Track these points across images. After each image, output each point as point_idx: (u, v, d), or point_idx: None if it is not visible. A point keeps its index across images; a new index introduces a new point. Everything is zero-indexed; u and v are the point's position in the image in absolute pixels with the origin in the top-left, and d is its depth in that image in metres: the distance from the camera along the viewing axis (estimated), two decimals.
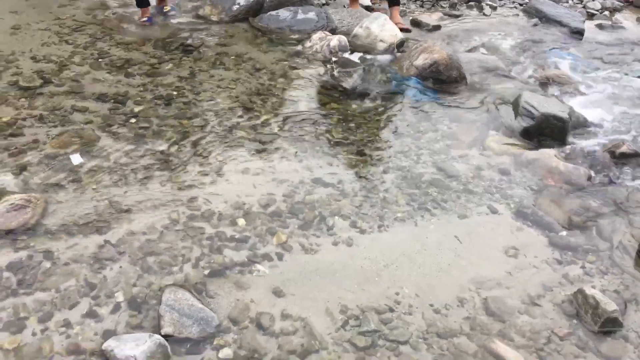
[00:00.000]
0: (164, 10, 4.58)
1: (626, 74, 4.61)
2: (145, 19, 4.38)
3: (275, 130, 3.17)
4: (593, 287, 2.23)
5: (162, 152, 2.87)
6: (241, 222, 2.44)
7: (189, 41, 4.14)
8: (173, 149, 2.91)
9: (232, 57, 3.97)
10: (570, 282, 2.30)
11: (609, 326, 2.07)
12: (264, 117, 3.29)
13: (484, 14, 5.90)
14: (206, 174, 2.73)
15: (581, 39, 5.41)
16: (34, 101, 3.18)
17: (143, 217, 2.41)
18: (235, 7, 4.63)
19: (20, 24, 4.16)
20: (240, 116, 3.25)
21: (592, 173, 3.10)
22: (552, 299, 2.22)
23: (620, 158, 3.25)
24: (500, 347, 1.99)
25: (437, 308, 2.15)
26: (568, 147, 3.37)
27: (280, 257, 2.30)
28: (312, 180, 2.78)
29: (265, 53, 4.10)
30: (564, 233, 2.60)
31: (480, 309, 2.17)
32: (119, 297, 2.02)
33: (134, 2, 4.47)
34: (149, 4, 4.45)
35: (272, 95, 3.54)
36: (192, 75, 3.66)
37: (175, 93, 3.42)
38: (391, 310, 2.12)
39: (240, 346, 1.90)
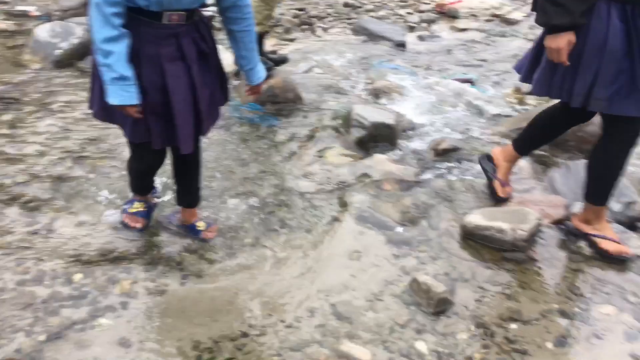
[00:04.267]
0: None
1: (444, 77, 5.11)
2: None
3: (117, 176, 3.08)
4: (426, 274, 2.44)
5: None
6: (78, 277, 2.34)
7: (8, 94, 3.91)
8: None
9: (60, 105, 3.81)
10: (407, 273, 2.49)
11: (441, 306, 2.27)
12: (100, 163, 3.19)
13: (317, 36, 6.22)
14: (36, 232, 2.59)
15: (404, 50, 5.90)
16: None
17: None
18: (57, 52, 4.44)
19: None
20: (70, 167, 3.13)
21: (421, 171, 3.40)
22: (392, 292, 2.39)
23: (442, 154, 3.59)
24: (349, 346, 2.10)
25: (290, 323, 2.22)
26: (398, 150, 3.67)
27: (124, 305, 2.24)
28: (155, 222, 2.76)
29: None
30: (400, 229, 2.81)
31: (330, 314, 2.27)
32: None
33: None
34: None
35: (105, 142, 3.45)
36: (13, 129, 3.46)
37: None
38: (244, 335, 2.15)
39: None
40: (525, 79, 2.55)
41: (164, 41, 2.07)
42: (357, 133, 3.72)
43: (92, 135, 3.48)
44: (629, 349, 2.05)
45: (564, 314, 2.22)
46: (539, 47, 2.43)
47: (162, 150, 2.37)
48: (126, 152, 2.55)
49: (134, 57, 2.02)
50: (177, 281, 2.41)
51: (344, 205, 3.00)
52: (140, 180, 2.66)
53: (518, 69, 2.62)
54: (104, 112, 2.21)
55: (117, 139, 3.30)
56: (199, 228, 2.68)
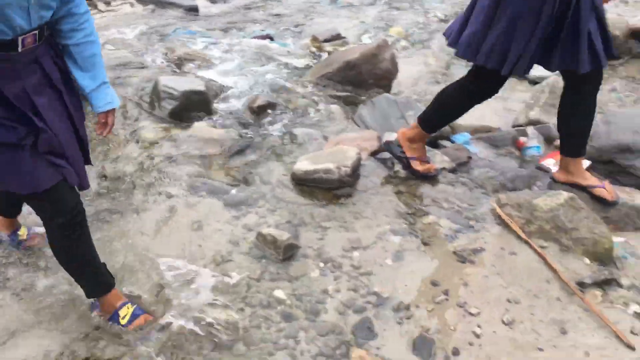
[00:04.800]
0: None
1: (243, 37, 5.15)
2: None
3: None
4: (268, 226, 2.53)
5: None
6: None
7: None
8: None
9: None
10: (250, 229, 2.55)
11: (289, 252, 2.39)
12: None
13: (100, 11, 5.81)
14: None
15: (197, 15, 5.80)
16: None
17: None
18: None
19: None
20: None
21: (242, 131, 3.45)
22: (241, 250, 2.44)
23: (259, 111, 3.67)
24: (214, 313, 2.11)
25: (144, 304, 2.15)
26: (215, 115, 3.66)
27: None
28: None
29: None
30: (234, 191, 2.85)
31: (181, 287, 2.24)
32: None
33: None
34: None
35: None
36: None
37: None
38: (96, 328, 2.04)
39: None
40: (453, 43, 2.53)
41: (23, 72, 1.74)
42: (168, 105, 3.62)
43: None
44: (451, 247, 2.38)
45: (395, 232, 2.48)
46: (469, 12, 2.46)
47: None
48: None
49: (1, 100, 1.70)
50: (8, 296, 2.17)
51: (174, 179, 2.93)
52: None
53: (448, 34, 2.59)
54: None
55: None
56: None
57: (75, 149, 1.91)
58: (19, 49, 1.70)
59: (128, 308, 2.09)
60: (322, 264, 2.36)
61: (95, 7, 5.88)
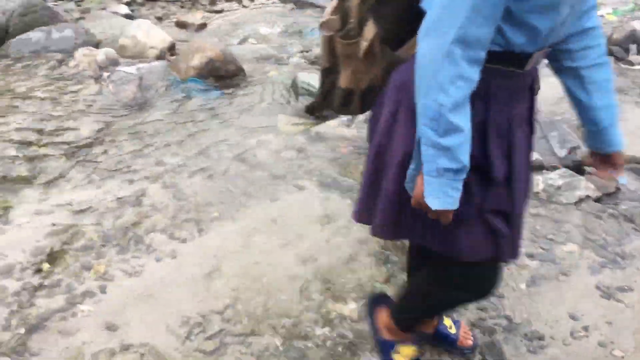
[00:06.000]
0: None
1: None
2: None
3: (62, 161, 2.92)
4: None
5: None
6: (46, 267, 2.22)
7: None
8: None
9: None
10: None
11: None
12: (44, 151, 3.01)
13: (244, 6, 6.11)
14: None
15: None
16: None
17: None
18: None
19: None
20: (14, 156, 2.92)
21: None
22: (368, 252, 2.45)
23: None
24: (337, 306, 2.15)
25: (273, 291, 2.23)
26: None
27: (103, 289, 2.16)
28: (118, 202, 2.65)
29: (26, 81, 3.72)
30: None
31: (311, 278, 2.30)
32: None
33: None
34: None
35: (48, 123, 3.25)
36: None
37: None
38: (230, 306, 2.14)
39: None
40: None
41: (519, 97, 1.35)
42: (305, 101, 3.73)
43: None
44: (594, 281, 2.23)
45: (531, 256, 2.38)
46: None
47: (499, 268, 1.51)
48: None
49: (477, 130, 1.27)
50: (152, 262, 2.34)
51: (305, 172, 3.02)
52: (432, 313, 1.80)
53: None
54: (393, 225, 1.45)
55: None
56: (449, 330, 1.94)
57: (522, 209, 1.44)
58: (527, 67, 1.29)
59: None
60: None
61: (240, 2, 6.20)
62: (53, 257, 2.29)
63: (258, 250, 2.44)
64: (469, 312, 2.11)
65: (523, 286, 2.23)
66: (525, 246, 2.43)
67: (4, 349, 1.86)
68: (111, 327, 2.00)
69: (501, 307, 2.13)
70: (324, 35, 1.54)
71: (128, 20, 5.11)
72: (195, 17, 5.64)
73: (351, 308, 2.13)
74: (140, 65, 4.07)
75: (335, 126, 3.48)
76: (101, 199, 2.67)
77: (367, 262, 2.38)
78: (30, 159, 2.93)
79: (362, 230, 2.58)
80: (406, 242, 2.10)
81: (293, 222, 2.64)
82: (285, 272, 2.33)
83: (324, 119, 3.59)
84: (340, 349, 1.95)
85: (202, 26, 5.35)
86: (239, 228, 2.59)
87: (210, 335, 2.00)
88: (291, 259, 2.40)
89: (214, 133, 3.36)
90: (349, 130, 3.44)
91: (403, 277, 2.25)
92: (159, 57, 4.25)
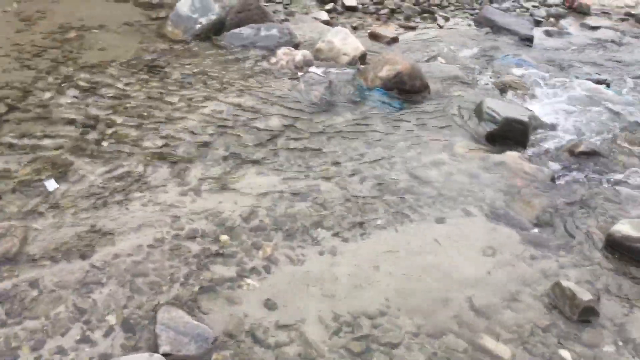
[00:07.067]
0: None
1: (576, 77, 4.86)
2: None
3: (251, 146, 3.20)
4: (568, 279, 2.35)
5: (138, 173, 2.86)
6: (224, 238, 2.45)
7: (155, 62, 4.14)
8: (149, 169, 2.90)
9: (200, 77, 3.98)
10: (546, 276, 2.41)
11: (586, 315, 2.18)
12: (237, 134, 3.31)
13: (438, 25, 6.11)
14: (185, 194, 2.74)
15: (531, 46, 5.67)
16: (1, 129, 3.11)
17: (126, 239, 2.40)
18: (197, 27, 4.65)
19: None
20: (212, 135, 3.26)
21: (555, 172, 3.27)
22: (531, 293, 2.32)
23: (579, 156, 3.43)
24: (489, 342, 2.07)
25: (425, 309, 2.22)
26: (530, 149, 3.55)
27: (267, 269, 2.33)
28: (292, 193, 2.83)
29: (232, 71, 4.13)
30: (536, 230, 2.72)
31: (466, 307, 2.24)
32: (111, 320, 2.01)
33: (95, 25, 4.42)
34: None
35: (244, 112, 3.57)
36: (160, 95, 3.66)
37: (145, 114, 3.41)
38: (382, 314, 2.18)
39: None
40: None
41: None
42: (487, 127, 3.63)
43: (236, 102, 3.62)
44: None
45: None
46: None
47: None
48: None
49: None
50: (315, 254, 2.46)
51: (475, 199, 2.94)
52: None
53: None
54: None
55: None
56: None
57: None
58: None
59: None
60: (620, 342, 2.11)
61: (435, 20, 6.21)
62: (230, 231, 2.52)
63: (415, 267, 2.44)
64: None
65: None
66: None
67: (179, 302, 2.10)
68: (270, 306, 2.14)
69: None
70: None
71: (327, 26, 5.40)
72: (388, 30, 5.78)
73: (502, 349, 2.04)
74: (331, 69, 4.28)
75: (515, 157, 3.34)
76: (278, 187, 2.87)
77: (530, 304, 2.26)
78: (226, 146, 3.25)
79: (528, 270, 2.45)
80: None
81: (455, 246, 2.59)
82: (439, 294, 2.30)
83: (504, 148, 3.46)
84: None
85: (394, 40, 5.46)
86: (401, 241, 2.61)
87: (359, 337, 2.05)
88: (448, 283, 2.36)
89: (391, 144, 3.42)
90: (529, 165, 3.27)
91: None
92: (350, 63, 4.43)
